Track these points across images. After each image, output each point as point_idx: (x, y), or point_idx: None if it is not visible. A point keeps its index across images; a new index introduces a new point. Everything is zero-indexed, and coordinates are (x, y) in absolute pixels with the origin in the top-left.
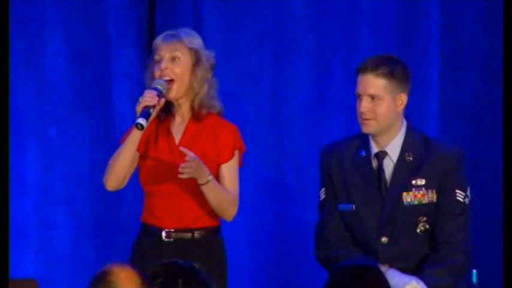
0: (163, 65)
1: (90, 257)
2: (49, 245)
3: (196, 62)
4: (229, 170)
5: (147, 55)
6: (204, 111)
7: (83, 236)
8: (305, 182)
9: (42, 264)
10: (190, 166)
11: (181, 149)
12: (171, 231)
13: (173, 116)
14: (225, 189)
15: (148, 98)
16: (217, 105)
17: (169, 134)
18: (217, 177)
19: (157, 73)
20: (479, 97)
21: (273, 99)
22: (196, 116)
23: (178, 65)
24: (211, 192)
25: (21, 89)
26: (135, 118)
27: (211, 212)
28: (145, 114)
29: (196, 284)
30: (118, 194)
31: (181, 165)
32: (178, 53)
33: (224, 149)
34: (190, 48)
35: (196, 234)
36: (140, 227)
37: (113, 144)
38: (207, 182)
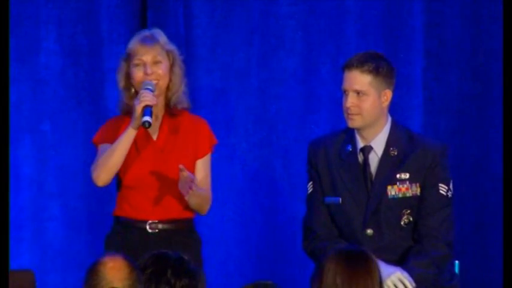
0: (149, 70)
1: (83, 249)
2: (43, 237)
3: (173, 63)
4: (205, 166)
5: None
6: (179, 107)
7: (76, 229)
8: (293, 176)
9: (37, 256)
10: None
11: (181, 167)
12: (156, 223)
13: None
14: (202, 189)
15: (149, 98)
16: (188, 101)
17: (145, 130)
18: (192, 171)
19: (140, 76)
20: (462, 93)
21: (261, 95)
22: (171, 112)
23: (160, 67)
24: (194, 197)
25: (16, 86)
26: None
27: None
28: (149, 112)
29: (185, 274)
30: (109, 187)
31: (191, 192)
32: (159, 57)
33: (202, 145)
34: (168, 51)
35: (179, 225)
36: (116, 221)
37: None
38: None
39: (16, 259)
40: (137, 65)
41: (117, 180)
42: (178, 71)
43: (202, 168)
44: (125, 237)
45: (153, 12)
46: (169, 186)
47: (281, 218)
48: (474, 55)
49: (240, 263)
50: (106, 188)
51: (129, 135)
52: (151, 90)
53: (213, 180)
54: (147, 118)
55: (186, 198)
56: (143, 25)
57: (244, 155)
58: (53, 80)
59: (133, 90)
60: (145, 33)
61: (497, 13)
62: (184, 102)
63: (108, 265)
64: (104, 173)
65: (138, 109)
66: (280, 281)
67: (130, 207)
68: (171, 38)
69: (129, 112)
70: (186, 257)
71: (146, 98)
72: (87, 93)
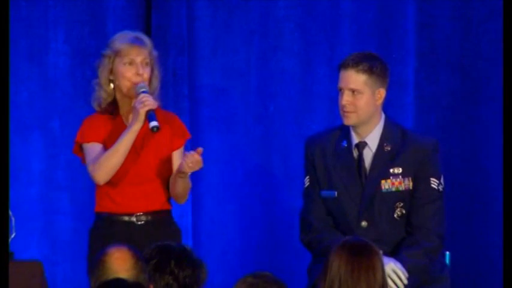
0: (140, 70)
1: None
2: (52, 230)
3: (154, 66)
4: (180, 157)
5: None
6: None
7: (84, 221)
8: (290, 170)
9: (46, 247)
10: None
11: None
12: (139, 215)
13: (122, 113)
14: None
15: (151, 102)
16: (160, 100)
17: (123, 128)
18: (170, 162)
19: (130, 76)
20: (452, 91)
21: (260, 93)
22: None
23: (146, 70)
24: (185, 182)
25: (27, 85)
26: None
27: (169, 196)
28: (155, 116)
29: (188, 265)
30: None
31: (196, 160)
32: (147, 60)
33: (176, 137)
34: (152, 55)
35: (160, 216)
36: (99, 217)
37: None
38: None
39: (26, 250)
40: (128, 63)
41: None
42: (157, 74)
43: (178, 158)
44: (109, 230)
45: (157, 14)
46: (150, 179)
47: (279, 210)
48: (463, 55)
49: (239, 254)
50: None
51: (131, 137)
52: (148, 93)
53: (214, 175)
54: (155, 123)
55: (183, 176)
56: (148, 27)
57: (244, 151)
58: (62, 79)
59: (112, 86)
60: (132, 34)
61: (485, 15)
62: (158, 101)
63: (114, 256)
64: (106, 173)
65: (142, 112)
66: (278, 271)
67: (112, 202)
68: (174, 38)
69: (106, 109)
70: (188, 248)
71: (149, 102)
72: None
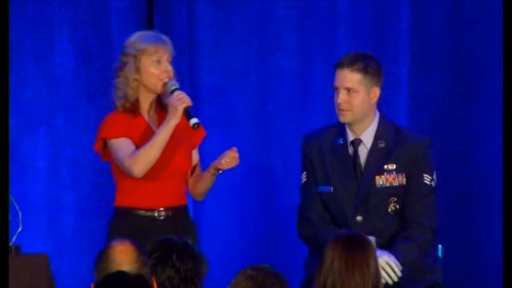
0: (169, 67)
1: (94, 236)
2: (57, 225)
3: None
4: (197, 155)
5: None
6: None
7: (88, 217)
8: (288, 167)
9: (51, 241)
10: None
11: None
12: (160, 210)
13: (142, 111)
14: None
15: (188, 99)
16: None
17: (146, 125)
18: (190, 160)
19: (158, 73)
20: (445, 90)
21: (259, 92)
22: (163, 107)
23: (170, 67)
24: (212, 180)
25: (33, 83)
26: None
27: (186, 191)
28: (193, 113)
29: (189, 259)
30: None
31: (234, 157)
32: (170, 57)
33: (195, 136)
34: (172, 53)
35: (180, 211)
36: (120, 211)
37: None
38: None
39: (32, 245)
40: (156, 61)
41: (117, 172)
42: (174, 71)
43: (196, 156)
44: (129, 225)
45: (159, 15)
46: (171, 175)
47: (278, 207)
48: (455, 55)
49: (239, 249)
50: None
51: (168, 132)
52: (180, 89)
53: None
54: (196, 120)
55: (216, 173)
56: (150, 27)
57: (244, 148)
58: (67, 78)
59: (136, 84)
60: (153, 33)
61: (478, 16)
62: None
63: (117, 249)
64: (144, 166)
65: (180, 109)
66: (277, 264)
67: (134, 197)
68: (176, 39)
69: (129, 108)
70: (190, 242)
71: (186, 99)
72: (98, 90)
